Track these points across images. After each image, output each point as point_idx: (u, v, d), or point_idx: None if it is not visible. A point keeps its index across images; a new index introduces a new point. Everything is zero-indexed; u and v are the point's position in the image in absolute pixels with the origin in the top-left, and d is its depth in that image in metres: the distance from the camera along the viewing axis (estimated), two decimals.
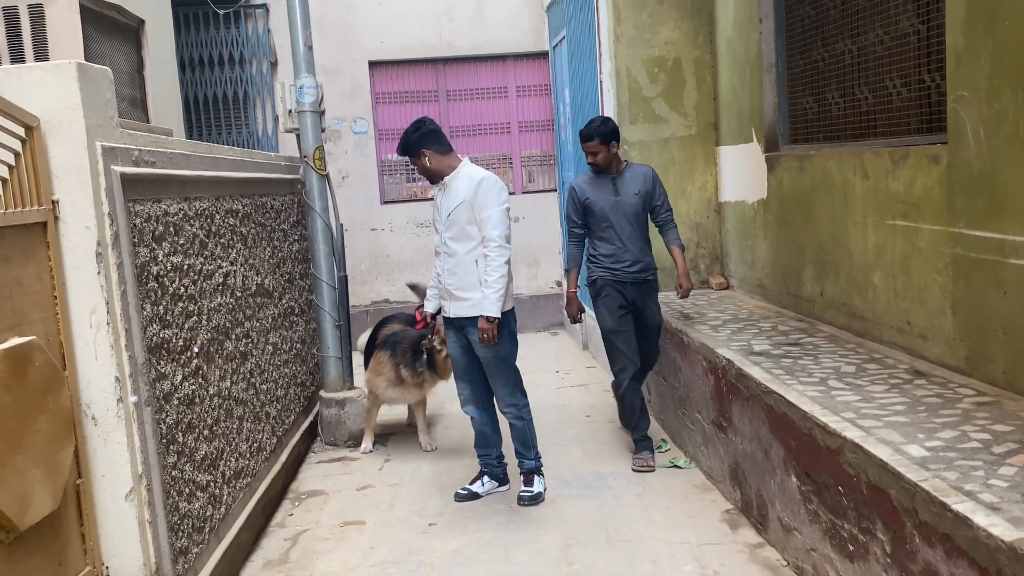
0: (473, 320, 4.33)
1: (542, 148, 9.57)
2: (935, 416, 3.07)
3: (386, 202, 9.39)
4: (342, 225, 5.98)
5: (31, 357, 2.53)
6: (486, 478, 4.71)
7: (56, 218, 2.78)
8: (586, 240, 4.95)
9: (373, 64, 9.25)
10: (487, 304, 4.25)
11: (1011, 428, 2.87)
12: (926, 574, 2.51)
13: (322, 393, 5.80)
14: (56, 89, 2.76)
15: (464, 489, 4.68)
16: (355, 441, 5.65)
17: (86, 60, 3.61)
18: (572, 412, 6.16)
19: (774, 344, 4.38)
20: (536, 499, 4.50)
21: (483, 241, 4.29)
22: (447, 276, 4.42)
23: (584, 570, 3.75)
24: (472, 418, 4.69)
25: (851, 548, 3.00)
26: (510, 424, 4.59)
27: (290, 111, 5.76)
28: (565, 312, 5.16)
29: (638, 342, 4.89)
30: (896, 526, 2.67)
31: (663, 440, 5.33)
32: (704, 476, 4.72)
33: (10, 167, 2.59)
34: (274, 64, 9.00)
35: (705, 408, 4.62)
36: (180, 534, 3.27)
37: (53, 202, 2.77)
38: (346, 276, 5.95)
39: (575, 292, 5.01)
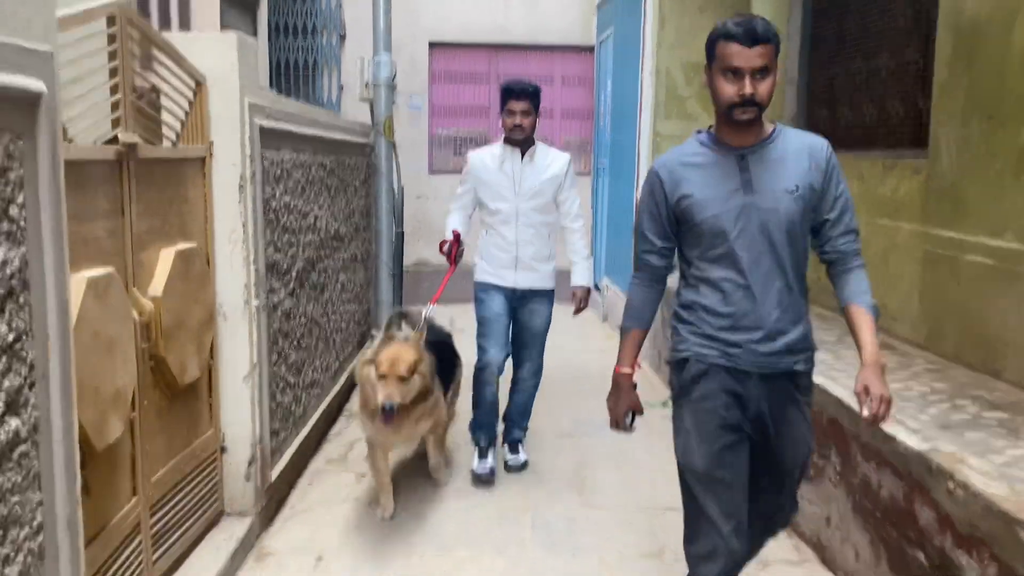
0: (540, 292, 4.49)
1: (581, 135, 10.31)
2: (890, 375, 3.81)
3: (433, 172, 10.17)
4: (403, 188, 6.76)
5: (194, 259, 3.32)
6: (493, 450, 4.68)
7: (211, 155, 3.56)
8: (666, 274, 2.74)
9: (433, 44, 10.01)
10: (587, 275, 4.57)
11: (946, 386, 3.61)
12: (863, 484, 3.26)
13: (373, 332, 6.60)
14: (219, 54, 3.54)
15: (482, 470, 4.51)
16: None
17: (221, 28, 4.40)
18: (589, 371, 6.92)
19: None
20: (525, 465, 4.66)
21: (571, 217, 4.50)
22: (523, 246, 4.40)
23: (593, 485, 4.52)
24: (487, 386, 4.52)
25: (811, 473, 3.75)
26: (521, 390, 4.67)
27: (367, 84, 6.52)
28: (608, 407, 2.80)
29: (754, 492, 2.65)
30: (844, 449, 3.42)
31: (669, 398, 6.07)
32: None
33: (186, 112, 3.37)
34: (343, 37, 9.77)
35: None
36: (275, 418, 4.08)
37: (210, 143, 3.55)
38: (403, 232, 6.74)
39: (630, 376, 2.74)
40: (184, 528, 3.31)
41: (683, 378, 2.63)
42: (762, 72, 2.37)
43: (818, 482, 3.68)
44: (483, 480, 4.47)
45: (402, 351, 3.73)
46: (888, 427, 3.08)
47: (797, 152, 2.52)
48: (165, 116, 3.24)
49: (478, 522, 4.07)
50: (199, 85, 3.45)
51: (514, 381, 4.70)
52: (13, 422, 1.83)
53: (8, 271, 1.81)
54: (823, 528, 3.62)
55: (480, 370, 4.50)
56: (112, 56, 2.72)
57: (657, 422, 5.59)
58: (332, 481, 4.57)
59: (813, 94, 6.00)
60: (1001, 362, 3.66)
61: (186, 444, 3.34)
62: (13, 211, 1.83)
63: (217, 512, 3.66)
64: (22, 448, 1.86)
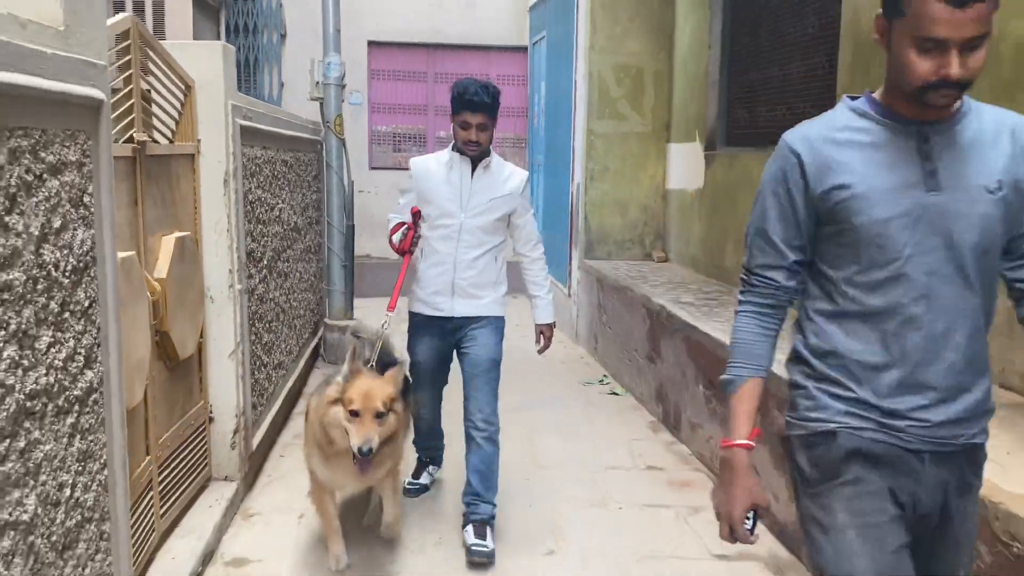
0: (478, 320, 3.84)
1: (515, 132, 10.79)
2: None
3: (373, 168, 10.52)
4: (353, 182, 7.13)
5: (187, 245, 3.68)
6: (432, 467, 4.45)
7: (199, 152, 3.91)
8: (792, 299, 2.01)
9: (372, 44, 10.36)
10: (551, 310, 4.04)
11: None
12: (781, 436, 3.81)
13: (327, 320, 6.96)
14: (206, 60, 3.89)
15: (411, 484, 4.34)
16: None
17: (193, 32, 4.72)
18: (531, 354, 7.39)
19: (697, 298, 5.68)
20: (492, 556, 3.63)
21: (530, 244, 3.96)
22: (462, 268, 3.79)
23: (544, 450, 5.01)
24: (422, 418, 4.20)
25: None
26: (475, 449, 3.80)
27: (317, 83, 6.87)
28: (716, 503, 2.03)
29: None
30: (763, 407, 3.97)
31: (604, 375, 6.61)
32: (635, 400, 6.01)
33: (179, 112, 3.72)
34: (283, 36, 10.05)
35: (641, 346, 5.91)
36: (254, 392, 4.44)
37: (198, 140, 3.90)
38: (353, 225, 7.10)
39: (749, 450, 1.98)
40: (182, 489, 3.67)
41: (826, 458, 1.88)
42: (975, 42, 1.66)
43: None
44: (408, 492, 4.28)
45: (376, 385, 3.24)
46: None
47: (995, 133, 1.82)
48: (159, 116, 3.59)
49: (443, 480, 4.50)
50: (189, 88, 3.80)
51: (467, 438, 3.85)
52: (89, 374, 2.21)
53: (84, 248, 2.18)
54: None
55: (415, 417, 4.14)
56: (126, 65, 3.07)
57: (594, 396, 6.12)
58: (301, 454, 4.95)
59: (733, 96, 6.59)
60: None
61: (183, 413, 3.70)
62: (87, 199, 2.21)
63: (206, 477, 4.02)
64: (94, 396, 2.25)
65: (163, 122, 3.54)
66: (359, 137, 10.42)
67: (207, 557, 3.54)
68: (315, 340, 6.87)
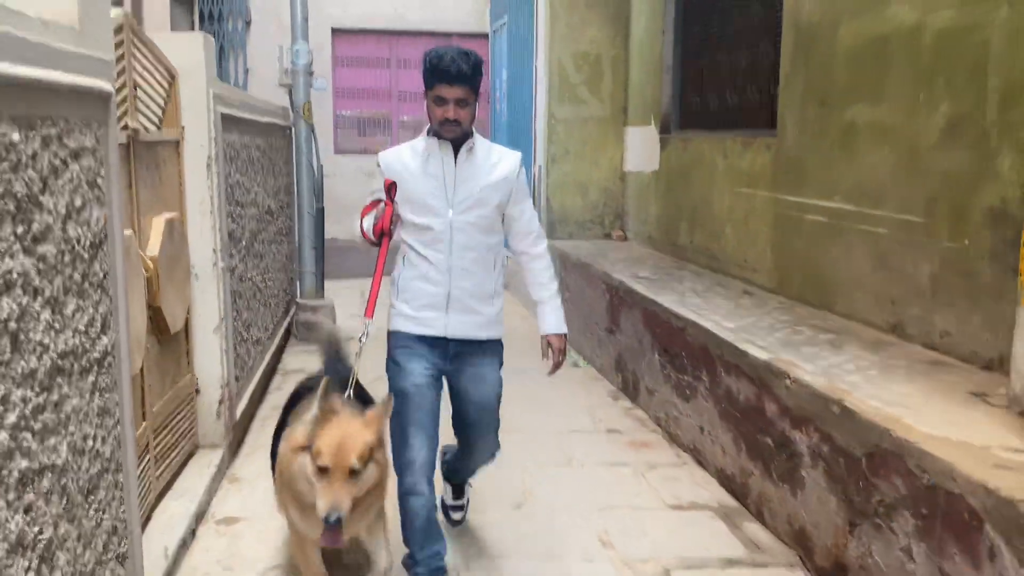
0: (479, 347, 3.27)
1: (477, 116, 11.02)
2: (748, 313, 4.72)
3: (338, 152, 10.73)
4: (322, 166, 7.35)
5: (175, 226, 3.91)
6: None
7: (183, 138, 4.14)
8: None
9: (335, 31, 10.54)
10: (560, 317, 3.38)
11: (790, 318, 4.54)
12: (726, 393, 4.15)
13: (299, 300, 7.20)
14: (189, 51, 4.11)
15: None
16: None
17: (170, 22, 4.92)
18: None
19: (654, 273, 6.02)
20: (463, 514, 3.86)
21: (530, 239, 3.33)
22: (459, 276, 3.15)
23: (512, 417, 5.29)
24: (413, 498, 3.13)
25: (688, 392, 4.64)
26: (468, 456, 3.59)
27: (285, 70, 7.07)
28: None
29: None
30: (711, 368, 4.31)
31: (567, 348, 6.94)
32: (596, 371, 6.34)
33: (165, 100, 3.95)
34: (248, 23, 10.19)
35: (601, 319, 6.23)
36: (236, 366, 4.69)
37: (182, 127, 4.13)
38: (323, 208, 7.33)
39: None
40: (173, 455, 3.92)
41: None
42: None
43: (692, 400, 4.56)
44: None
45: (351, 433, 2.63)
46: (743, 346, 3.97)
47: None
48: (148, 104, 3.81)
49: None
50: (173, 78, 4.02)
51: (465, 471, 3.70)
52: (104, 339, 2.46)
53: (100, 225, 2.43)
54: (697, 435, 4.51)
55: (405, 496, 3.14)
56: (120, 57, 3.29)
57: (563, 372, 6.41)
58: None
59: (686, 81, 6.91)
60: (832, 299, 4.62)
61: (173, 384, 3.95)
62: (100, 181, 2.45)
63: (194, 444, 4.27)
64: (108, 359, 2.50)
65: (151, 110, 3.76)
66: (324, 122, 10.60)
67: (199, 516, 3.80)
68: (287, 319, 7.11)
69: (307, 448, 2.64)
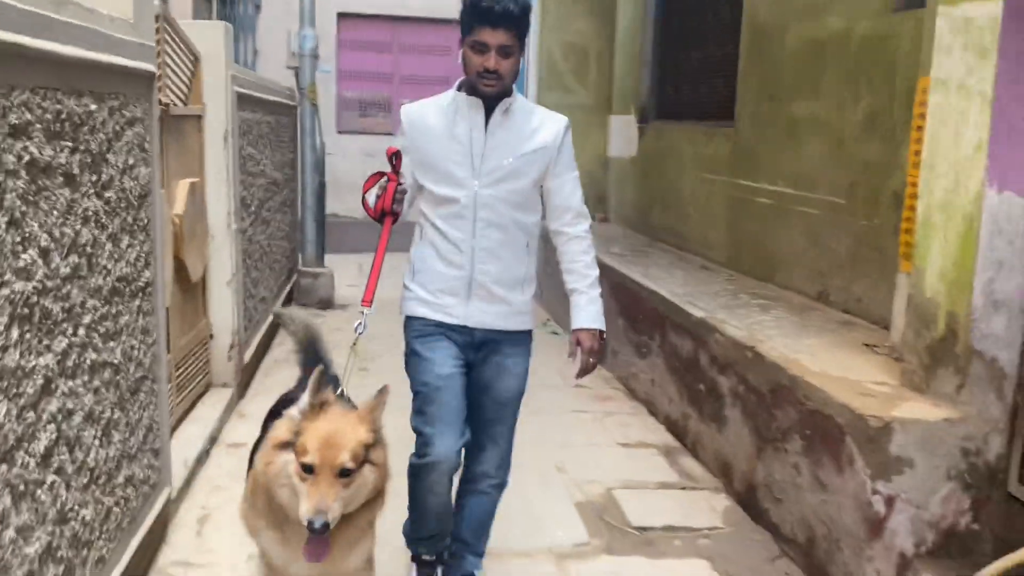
0: (507, 339, 2.85)
1: None
2: (699, 283, 5.32)
3: (341, 132, 11.30)
4: (323, 143, 7.93)
5: (197, 189, 4.51)
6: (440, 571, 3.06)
7: (204, 114, 4.72)
8: None
9: (341, 15, 11.10)
10: (597, 311, 2.92)
11: (734, 287, 5.14)
12: (670, 348, 4.76)
13: (300, 267, 7.79)
14: (211, 38, 4.70)
15: None
16: (323, 304, 7.65)
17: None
18: None
19: (624, 249, 6.62)
20: None
21: (569, 216, 2.88)
22: (483, 259, 2.76)
23: None
24: (432, 496, 2.78)
25: (643, 351, 5.25)
26: (477, 493, 2.99)
27: (293, 53, 7.65)
28: None
29: None
30: (662, 328, 4.91)
31: (548, 319, 7.54)
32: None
33: (190, 80, 4.53)
34: (258, 7, 10.74)
35: None
36: (244, 317, 5.30)
37: (204, 104, 4.71)
38: (324, 183, 7.92)
39: None
40: (191, 387, 4.53)
41: None
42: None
43: (647, 358, 5.17)
44: None
45: (343, 427, 2.23)
46: (686, 307, 4.57)
47: None
48: (175, 83, 4.40)
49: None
50: (197, 61, 4.60)
51: (465, 479, 3.01)
52: (147, 272, 3.06)
53: (144, 181, 3.03)
54: (650, 388, 5.12)
55: (421, 468, 2.75)
56: (156, 42, 3.88)
57: (537, 336, 7.00)
58: (282, 373, 5.81)
59: (664, 75, 7.49)
60: (774, 272, 5.22)
61: (192, 327, 4.55)
62: (146, 145, 3.05)
63: (207, 383, 4.88)
64: (149, 289, 3.10)
65: (179, 88, 4.35)
66: (327, 103, 11.17)
67: (213, 439, 4.41)
68: (289, 284, 7.71)
69: (290, 445, 2.19)
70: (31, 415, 2.11)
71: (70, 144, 2.34)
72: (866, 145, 4.31)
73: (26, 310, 2.07)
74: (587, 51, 8.39)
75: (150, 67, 3.07)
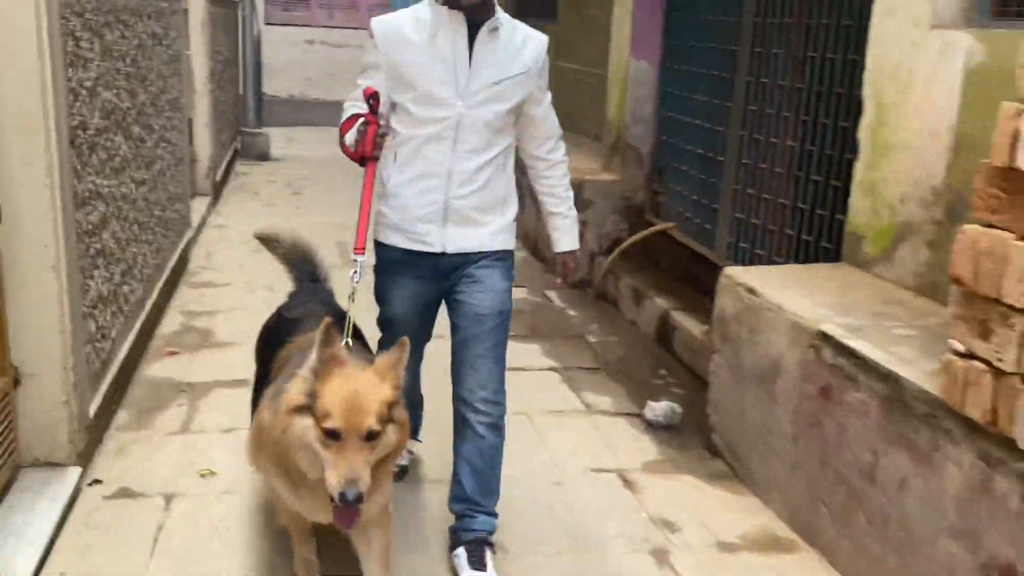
0: (482, 257, 2.72)
1: None
2: None
3: (268, 23, 13.41)
4: (260, 31, 10.18)
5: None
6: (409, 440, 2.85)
7: (188, 9, 7.05)
8: None
9: None
10: (574, 233, 2.92)
11: None
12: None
13: (242, 128, 10.15)
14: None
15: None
16: (261, 157, 9.99)
17: None
18: None
19: None
20: None
21: (549, 143, 2.84)
22: (460, 183, 2.64)
23: None
24: None
25: None
26: (472, 438, 2.75)
27: None
28: None
29: None
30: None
31: None
32: None
33: None
34: None
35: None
36: (214, 147, 7.72)
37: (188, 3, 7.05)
38: (261, 63, 10.21)
39: None
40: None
41: None
42: None
43: None
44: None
45: (365, 385, 2.09)
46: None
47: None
48: None
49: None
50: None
51: (460, 423, 2.80)
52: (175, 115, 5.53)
53: (182, 52, 5.48)
54: None
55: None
56: None
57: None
58: (242, 194, 8.30)
59: None
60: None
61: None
62: (179, 27, 5.48)
63: (195, 190, 7.34)
64: (178, 114, 5.57)
65: None
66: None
67: (203, 222, 6.90)
68: (235, 140, 10.07)
69: (307, 408, 2.07)
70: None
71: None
72: None
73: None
74: None
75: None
